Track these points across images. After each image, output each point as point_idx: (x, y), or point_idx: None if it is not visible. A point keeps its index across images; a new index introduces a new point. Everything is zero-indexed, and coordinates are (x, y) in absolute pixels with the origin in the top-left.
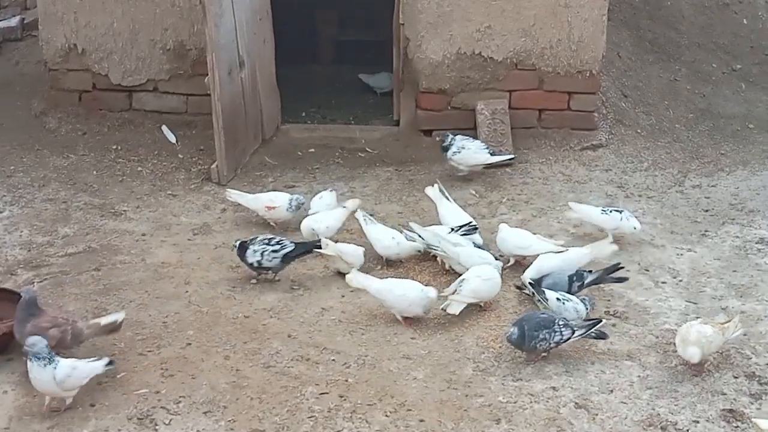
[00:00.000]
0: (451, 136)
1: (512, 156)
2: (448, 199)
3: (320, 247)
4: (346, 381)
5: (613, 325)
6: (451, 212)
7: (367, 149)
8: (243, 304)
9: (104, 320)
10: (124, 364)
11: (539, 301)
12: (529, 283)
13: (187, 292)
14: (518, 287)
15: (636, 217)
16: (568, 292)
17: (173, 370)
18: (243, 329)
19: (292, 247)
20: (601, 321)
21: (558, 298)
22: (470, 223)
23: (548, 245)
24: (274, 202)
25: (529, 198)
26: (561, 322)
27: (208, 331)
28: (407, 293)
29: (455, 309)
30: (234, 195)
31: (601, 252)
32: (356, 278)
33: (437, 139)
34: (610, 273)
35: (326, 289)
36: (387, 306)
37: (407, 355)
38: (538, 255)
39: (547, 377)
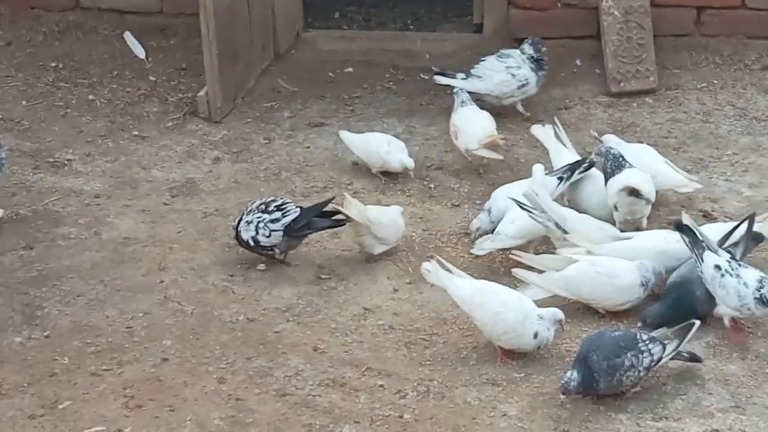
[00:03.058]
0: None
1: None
2: (563, 144)
3: (343, 221)
4: (401, 417)
5: None
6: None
7: (434, 68)
8: (246, 302)
9: None
10: (67, 388)
11: (696, 255)
12: (685, 225)
13: (162, 282)
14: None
15: None
16: None
17: (142, 398)
18: (246, 339)
19: (297, 214)
20: (694, 324)
21: (719, 266)
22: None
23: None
24: None
25: (681, 142)
26: (644, 337)
27: (194, 341)
28: (505, 315)
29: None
30: None
31: None
32: (436, 272)
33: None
34: (752, 236)
35: (370, 278)
36: (475, 322)
37: (493, 379)
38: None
39: (707, 414)
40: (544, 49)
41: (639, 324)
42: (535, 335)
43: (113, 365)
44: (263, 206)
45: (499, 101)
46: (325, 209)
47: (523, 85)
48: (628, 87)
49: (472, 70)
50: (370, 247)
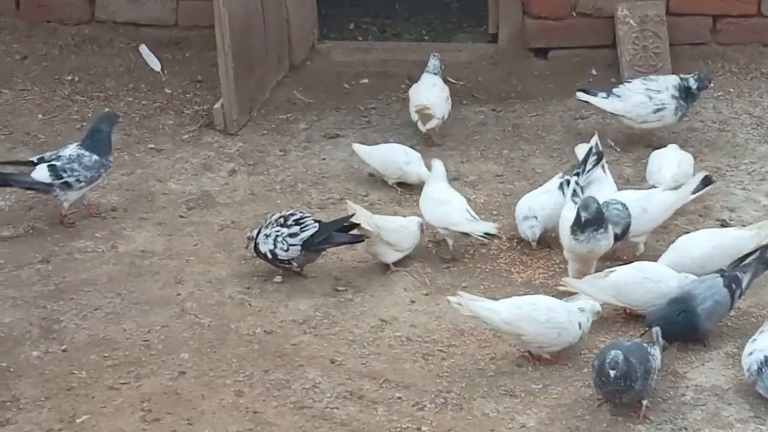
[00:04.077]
0: None
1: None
2: (602, 167)
3: (363, 237)
4: (419, 430)
5: None
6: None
7: (450, 79)
8: (263, 314)
9: None
10: (85, 402)
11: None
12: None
13: (179, 295)
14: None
15: None
16: (731, 308)
17: (159, 411)
18: (263, 351)
19: (315, 229)
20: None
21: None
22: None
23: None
24: None
25: (698, 151)
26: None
27: (212, 353)
28: (555, 318)
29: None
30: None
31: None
32: (467, 304)
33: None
34: (763, 261)
35: (387, 290)
36: (524, 341)
37: (511, 391)
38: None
39: (727, 425)
40: (710, 84)
41: (646, 328)
42: (580, 326)
43: (131, 379)
44: (282, 219)
45: (634, 124)
46: (344, 224)
47: (659, 110)
48: None
49: (614, 89)
50: (383, 256)
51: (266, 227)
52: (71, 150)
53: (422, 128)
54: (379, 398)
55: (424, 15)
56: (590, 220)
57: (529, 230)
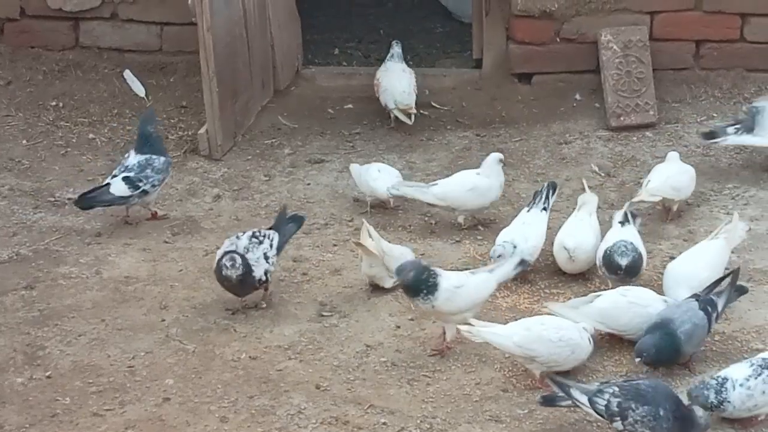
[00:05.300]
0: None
1: None
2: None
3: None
4: None
5: None
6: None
7: (434, 104)
8: (248, 340)
9: None
10: (69, 429)
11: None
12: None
13: (163, 321)
14: None
15: None
16: (709, 331)
17: None
18: (248, 377)
19: (277, 235)
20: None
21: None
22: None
23: None
24: None
25: None
26: None
27: (196, 379)
28: (566, 335)
29: None
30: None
31: (736, 237)
32: (478, 331)
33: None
34: (736, 287)
35: (372, 315)
36: (538, 362)
37: (497, 416)
38: None
39: None
40: None
41: (638, 359)
42: (591, 341)
43: (115, 405)
44: (255, 239)
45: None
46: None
47: None
48: (627, 121)
49: (742, 120)
50: (380, 280)
51: (250, 251)
52: (135, 158)
53: (401, 117)
54: (364, 424)
55: (409, 40)
56: (407, 288)
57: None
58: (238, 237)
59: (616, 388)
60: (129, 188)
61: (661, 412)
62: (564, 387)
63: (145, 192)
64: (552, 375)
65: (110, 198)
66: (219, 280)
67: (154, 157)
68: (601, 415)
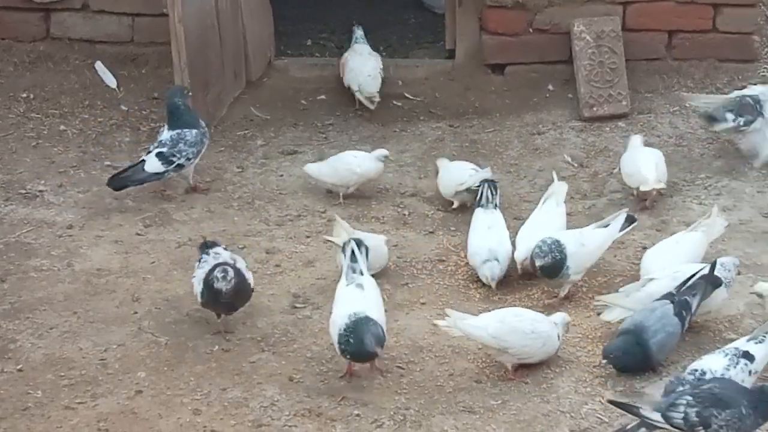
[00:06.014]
0: None
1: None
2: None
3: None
4: None
5: None
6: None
7: (407, 95)
8: (220, 332)
9: None
10: (41, 423)
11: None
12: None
13: (136, 313)
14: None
15: None
16: (682, 333)
17: (116, 431)
18: (221, 370)
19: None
20: None
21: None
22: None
23: None
24: None
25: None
26: None
27: (169, 372)
28: (539, 328)
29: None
30: None
31: (714, 231)
32: (455, 323)
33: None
34: (711, 280)
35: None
36: (509, 353)
37: (470, 407)
38: None
39: None
40: None
41: (605, 361)
42: (559, 337)
43: (87, 398)
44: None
45: None
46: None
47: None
48: (600, 111)
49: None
50: None
51: (238, 262)
52: (167, 134)
53: (365, 102)
54: (337, 416)
55: (382, 31)
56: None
57: (489, 271)
58: (214, 256)
59: (689, 398)
60: (163, 164)
61: (743, 411)
62: (631, 408)
63: (180, 166)
64: (614, 399)
65: (144, 176)
66: (212, 296)
67: (186, 130)
68: (680, 428)
